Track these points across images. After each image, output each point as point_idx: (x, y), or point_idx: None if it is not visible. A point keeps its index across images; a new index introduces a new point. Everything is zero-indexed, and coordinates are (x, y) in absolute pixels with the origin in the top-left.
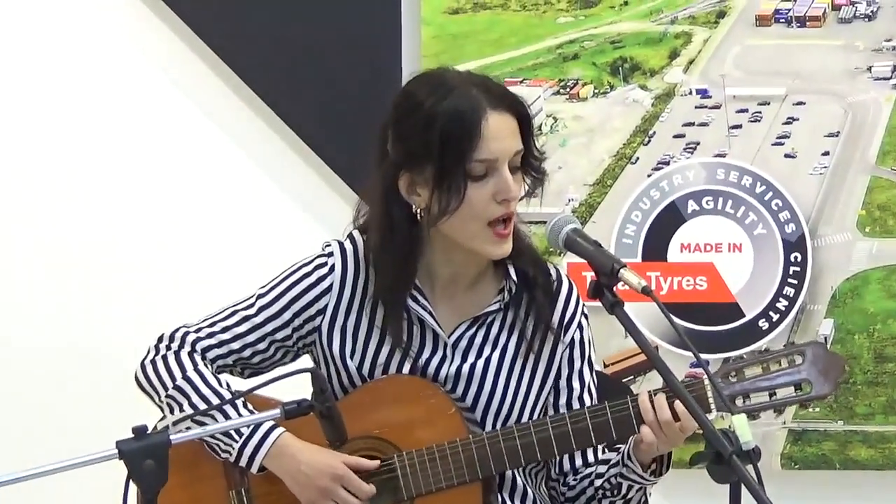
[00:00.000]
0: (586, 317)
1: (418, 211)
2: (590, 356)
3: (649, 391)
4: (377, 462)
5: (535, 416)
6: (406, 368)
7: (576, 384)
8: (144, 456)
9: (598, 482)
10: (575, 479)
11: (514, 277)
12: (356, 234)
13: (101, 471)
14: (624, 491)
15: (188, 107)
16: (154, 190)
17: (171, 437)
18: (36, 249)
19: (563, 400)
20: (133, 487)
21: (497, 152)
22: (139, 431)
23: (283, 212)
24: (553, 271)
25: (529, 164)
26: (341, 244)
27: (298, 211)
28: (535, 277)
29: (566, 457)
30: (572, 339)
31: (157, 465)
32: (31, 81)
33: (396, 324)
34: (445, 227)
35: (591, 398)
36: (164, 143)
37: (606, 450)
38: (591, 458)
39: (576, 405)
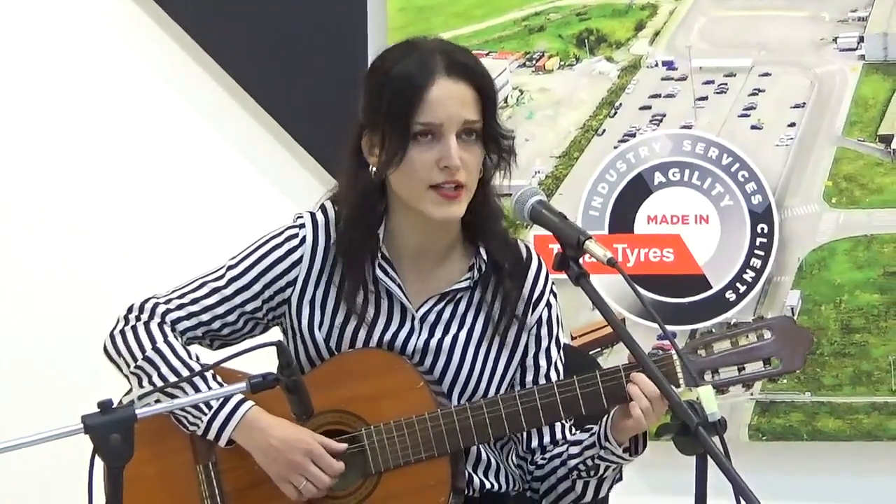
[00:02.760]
0: (555, 295)
1: (373, 170)
2: (557, 335)
3: (622, 366)
4: (345, 445)
5: (501, 392)
6: (374, 341)
7: (542, 362)
8: (110, 430)
9: (571, 462)
10: (543, 459)
11: (485, 256)
12: (328, 205)
13: (66, 445)
14: (601, 471)
15: (151, 78)
16: (130, 169)
17: (137, 411)
18: (9, 230)
19: (529, 377)
20: (99, 462)
21: (440, 117)
22: (105, 406)
23: (247, 183)
24: (523, 249)
25: (492, 141)
26: (313, 215)
27: (260, 181)
28: (503, 262)
29: (534, 434)
30: (540, 316)
31: (123, 440)
32: (14, 73)
33: (353, 286)
34: (396, 187)
35: (558, 376)
36: (133, 120)
37: (575, 430)
38: (559, 436)
39: (542, 383)
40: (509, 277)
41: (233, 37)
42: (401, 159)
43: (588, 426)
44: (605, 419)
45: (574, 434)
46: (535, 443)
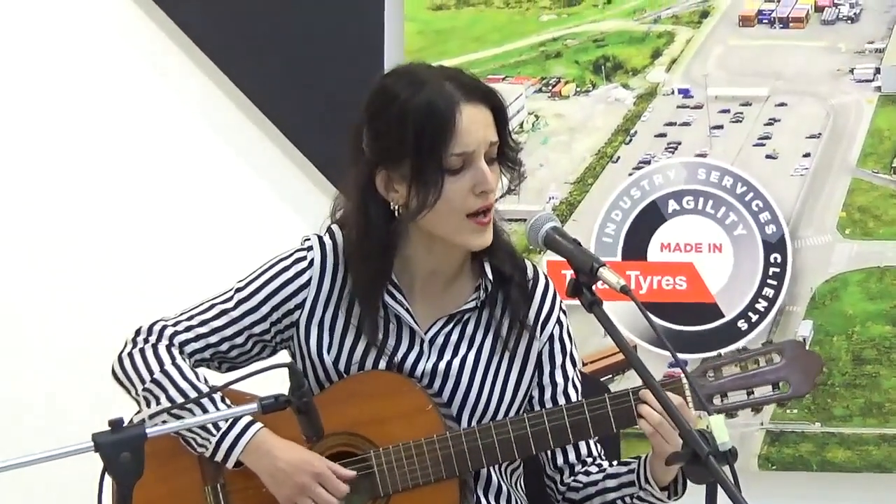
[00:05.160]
0: (564, 312)
1: (396, 207)
2: (571, 351)
3: (630, 389)
4: (353, 472)
5: (511, 415)
6: (382, 364)
7: (559, 379)
8: (120, 449)
9: (609, 496)
10: (577, 482)
11: (490, 275)
12: (335, 228)
13: (76, 463)
14: None
15: (171, 98)
16: (135, 182)
17: (147, 430)
18: (14, 242)
19: (548, 395)
20: (108, 480)
21: (473, 145)
22: (115, 424)
23: (264, 205)
24: (529, 268)
25: (505, 156)
26: (321, 239)
27: (280, 205)
28: (510, 275)
29: (559, 453)
30: (551, 334)
31: (132, 458)
32: (15, 75)
33: (372, 321)
34: (425, 221)
35: (577, 392)
36: (146, 136)
37: (615, 462)
38: (584, 454)
39: (561, 400)
40: (516, 288)
41: (251, 60)
42: (437, 198)
43: (625, 460)
44: (642, 460)
45: (613, 466)
46: (560, 461)
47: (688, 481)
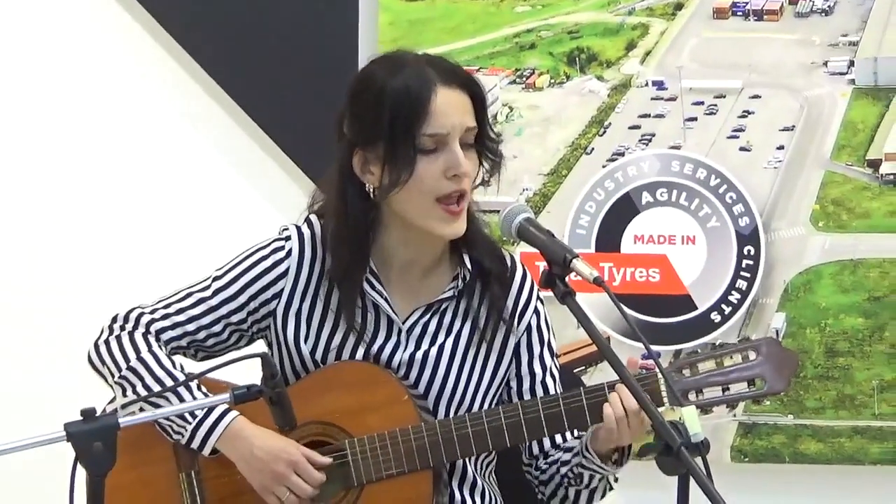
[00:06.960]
0: (542, 301)
1: (371, 189)
2: (549, 341)
3: (606, 383)
4: (329, 459)
5: (487, 404)
6: (359, 354)
7: (537, 369)
8: (93, 438)
9: (563, 470)
10: (546, 464)
11: (469, 265)
12: (314, 218)
13: (48, 453)
14: (586, 481)
15: (146, 91)
16: (112, 175)
17: (120, 419)
18: None
19: (526, 385)
20: (81, 470)
21: (447, 127)
22: (88, 414)
23: (238, 196)
24: (508, 259)
25: (485, 146)
26: (299, 228)
27: (254, 195)
28: (489, 266)
29: (534, 443)
30: (529, 324)
31: (105, 448)
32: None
33: (350, 307)
34: (397, 203)
35: (555, 382)
36: (122, 130)
37: (571, 437)
38: (559, 439)
39: (539, 390)
40: (496, 280)
41: (225, 51)
42: (409, 176)
43: (582, 434)
44: (588, 431)
45: (567, 441)
46: (535, 450)
47: (632, 450)
